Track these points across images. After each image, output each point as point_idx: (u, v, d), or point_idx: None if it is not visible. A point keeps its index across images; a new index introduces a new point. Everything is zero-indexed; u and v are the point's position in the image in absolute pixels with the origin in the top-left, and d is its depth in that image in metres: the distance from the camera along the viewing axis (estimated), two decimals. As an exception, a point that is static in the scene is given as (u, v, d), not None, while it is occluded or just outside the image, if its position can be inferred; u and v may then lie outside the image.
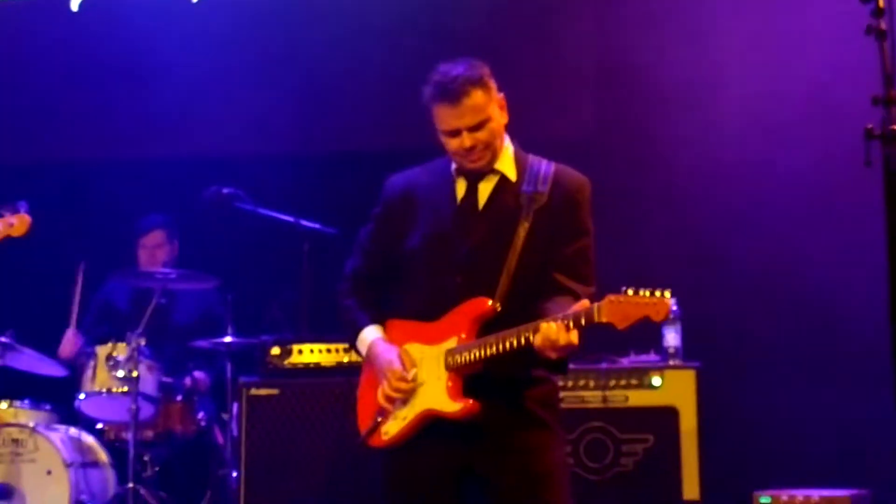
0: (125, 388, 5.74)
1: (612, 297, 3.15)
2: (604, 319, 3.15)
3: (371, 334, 3.55)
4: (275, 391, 5.44)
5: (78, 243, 6.55)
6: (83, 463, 5.81)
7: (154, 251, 6.52)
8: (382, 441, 3.48)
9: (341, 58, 6.73)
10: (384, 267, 3.60)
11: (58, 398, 6.13)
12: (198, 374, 6.18)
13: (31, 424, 5.81)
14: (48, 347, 6.21)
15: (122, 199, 6.77)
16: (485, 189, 3.50)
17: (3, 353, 5.90)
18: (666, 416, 5.32)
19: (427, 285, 3.48)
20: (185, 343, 6.12)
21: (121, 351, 5.81)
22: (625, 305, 3.13)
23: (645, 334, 5.40)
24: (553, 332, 3.17)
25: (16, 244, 4.84)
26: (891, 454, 5.60)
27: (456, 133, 3.40)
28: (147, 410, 5.84)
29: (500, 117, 3.47)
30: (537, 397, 3.43)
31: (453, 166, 3.53)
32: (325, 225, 5.86)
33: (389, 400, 3.45)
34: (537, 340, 3.20)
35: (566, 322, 3.18)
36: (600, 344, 5.13)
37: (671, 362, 5.44)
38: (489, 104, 3.42)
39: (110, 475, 5.95)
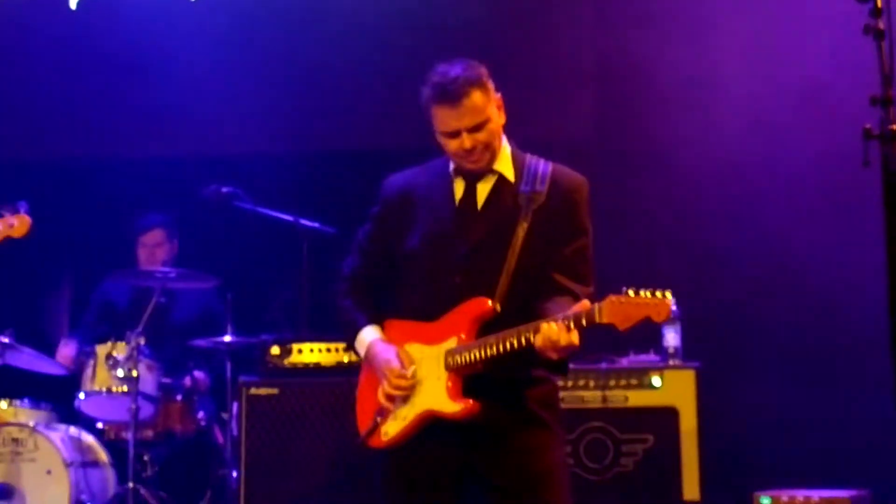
0: (125, 388, 5.74)
1: (613, 298, 3.14)
2: (605, 320, 3.14)
3: (369, 335, 3.54)
4: (274, 391, 5.44)
5: (77, 242, 6.54)
6: (83, 462, 5.80)
7: (154, 250, 6.51)
8: (382, 442, 3.47)
9: (340, 57, 6.72)
10: (382, 267, 3.59)
11: (58, 398, 6.12)
12: (197, 373, 6.17)
13: (31, 424, 5.80)
14: (48, 347, 6.21)
15: (121, 197, 6.77)
16: (483, 189, 3.49)
17: (2, 352, 5.87)
18: (666, 417, 5.32)
19: (426, 286, 3.47)
20: (185, 342, 6.11)
21: (120, 350, 5.80)
22: (626, 306, 3.13)
23: (645, 334, 5.40)
24: (554, 332, 3.17)
25: (15, 243, 4.83)
26: (891, 454, 5.61)
27: (455, 134, 3.40)
28: (147, 410, 5.83)
29: (498, 118, 3.46)
30: (537, 397, 3.43)
31: (451, 166, 3.52)
32: (324, 224, 5.86)
33: (390, 398, 3.45)
34: (538, 341, 3.20)
35: (567, 322, 3.17)
36: (600, 344, 5.13)
37: (671, 362, 5.43)
38: (488, 105, 3.41)
39: (110, 475, 5.94)
